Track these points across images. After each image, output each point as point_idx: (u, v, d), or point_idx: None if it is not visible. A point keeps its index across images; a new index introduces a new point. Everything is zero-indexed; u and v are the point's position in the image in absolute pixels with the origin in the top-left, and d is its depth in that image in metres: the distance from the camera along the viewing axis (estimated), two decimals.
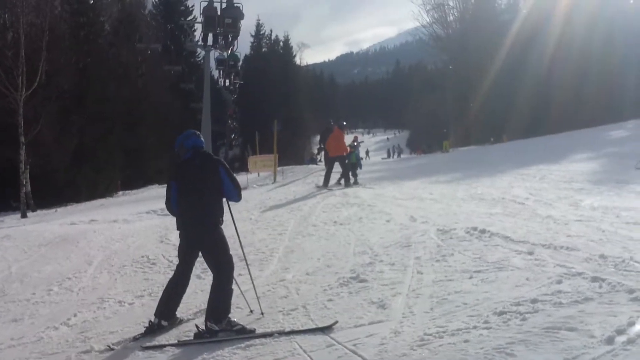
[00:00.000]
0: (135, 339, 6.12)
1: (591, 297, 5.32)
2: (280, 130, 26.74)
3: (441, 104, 69.18)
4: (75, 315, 7.18)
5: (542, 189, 13.31)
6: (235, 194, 6.33)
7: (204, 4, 39.23)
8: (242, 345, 5.48)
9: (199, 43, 44.18)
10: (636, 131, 29.10)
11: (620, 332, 4.46)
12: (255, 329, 5.92)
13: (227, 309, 6.04)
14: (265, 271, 8.29)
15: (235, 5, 40.11)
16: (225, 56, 44.86)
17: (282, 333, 5.68)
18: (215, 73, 52.05)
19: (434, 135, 73.38)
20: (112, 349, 5.88)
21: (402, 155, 74.70)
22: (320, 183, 18.74)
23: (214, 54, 44.25)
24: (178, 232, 6.46)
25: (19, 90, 24.13)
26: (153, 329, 6.21)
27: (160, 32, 51.91)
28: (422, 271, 7.09)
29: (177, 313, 6.49)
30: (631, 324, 4.58)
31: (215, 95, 45.81)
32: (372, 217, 11.74)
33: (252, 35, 75.92)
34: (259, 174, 26.78)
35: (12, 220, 21.19)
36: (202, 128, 39.54)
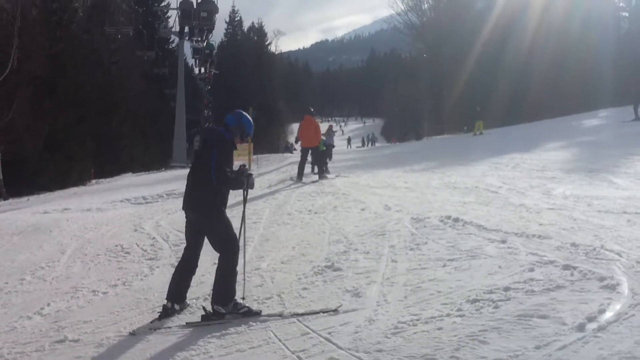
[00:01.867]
0: (151, 323, 6.11)
1: (563, 285, 5.39)
2: (255, 117, 26.57)
3: (416, 93, 69.40)
4: (48, 304, 7.11)
5: (515, 178, 13.44)
6: (212, 173, 5.93)
7: None
8: (217, 334, 5.48)
9: (173, 30, 44.48)
10: (608, 120, 29.45)
11: (591, 319, 4.53)
12: (261, 311, 5.97)
13: (233, 292, 6.05)
14: (240, 260, 8.26)
15: None
16: (201, 45, 45.29)
17: (289, 315, 5.75)
18: (191, 61, 52.18)
19: (409, 123, 73.62)
20: (134, 334, 5.84)
21: (376, 144, 74.77)
22: (295, 175, 17.69)
23: (189, 43, 44.73)
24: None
25: None
26: (167, 313, 6.20)
27: (133, 15, 51.39)
28: (396, 260, 7.13)
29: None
30: (602, 311, 4.67)
31: (190, 84, 45.77)
32: (347, 205, 11.74)
33: (226, 22, 75.50)
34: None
35: None
36: (176, 116, 39.67)
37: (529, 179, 13.16)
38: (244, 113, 6.43)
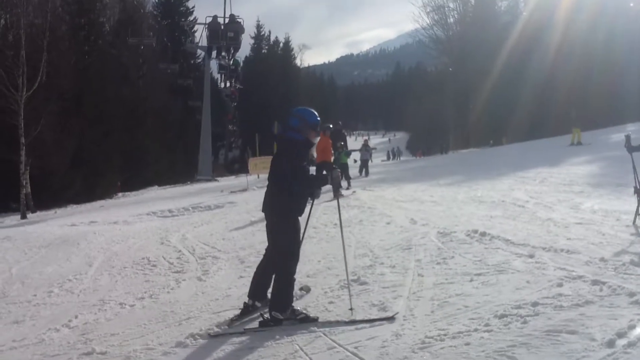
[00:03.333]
0: (232, 320, 6.24)
1: (592, 301, 5.34)
2: (280, 131, 26.73)
3: (441, 106, 69.14)
4: (76, 317, 7.16)
5: (542, 192, 13.33)
6: (287, 179, 6.04)
7: (209, 18, 41.35)
8: (244, 347, 5.48)
9: (199, 44, 45.33)
10: (636, 135, 29.01)
11: (620, 335, 4.48)
12: (317, 318, 6.01)
13: (290, 299, 6.11)
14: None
15: (236, 20, 41.98)
16: (227, 63, 46.27)
17: (345, 322, 5.79)
18: (216, 75, 52.95)
19: (434, 137, 73.48)
20: (214, 336, 5.94)
21: (401, 158, 74.78)
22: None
23: (215, 59, 45.83)
24: None
25: (19, 91, 24.06)
26: (248, 310, 6.29)
27: (157, 27, 51.86)
28: (422, 274, 7.10)
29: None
30: (632, 327, 4.61)
31: (215, 98, 46.27)
32: (373, 219, 11.74)
33: (252, 37, 75.96)
34: (258, 176, 26.71)
35: (12, 221, 21.21)
36: (202, 130, 40.05)
37: (556, 193, 13.04)
38: (300, 108, 6.43)
